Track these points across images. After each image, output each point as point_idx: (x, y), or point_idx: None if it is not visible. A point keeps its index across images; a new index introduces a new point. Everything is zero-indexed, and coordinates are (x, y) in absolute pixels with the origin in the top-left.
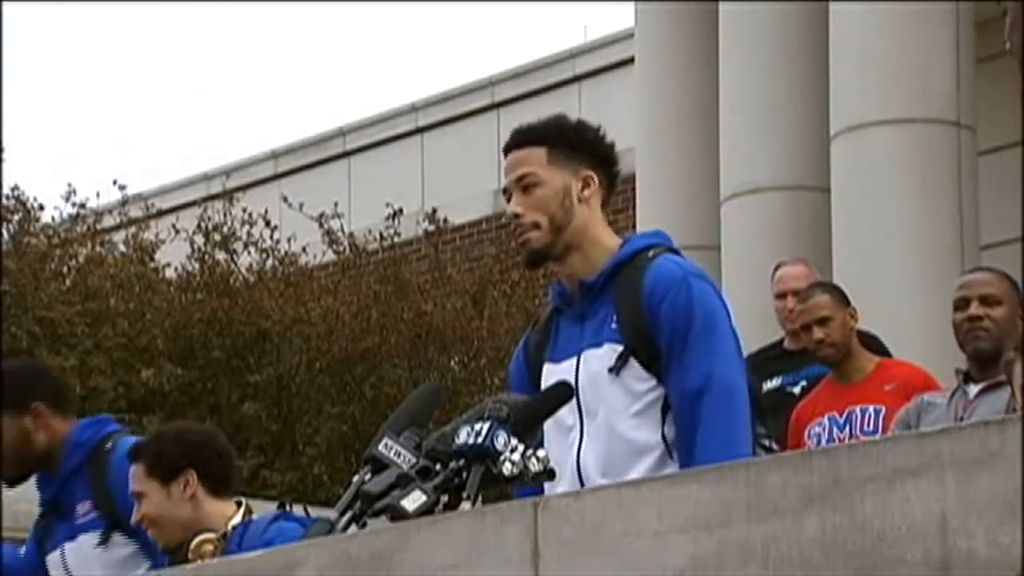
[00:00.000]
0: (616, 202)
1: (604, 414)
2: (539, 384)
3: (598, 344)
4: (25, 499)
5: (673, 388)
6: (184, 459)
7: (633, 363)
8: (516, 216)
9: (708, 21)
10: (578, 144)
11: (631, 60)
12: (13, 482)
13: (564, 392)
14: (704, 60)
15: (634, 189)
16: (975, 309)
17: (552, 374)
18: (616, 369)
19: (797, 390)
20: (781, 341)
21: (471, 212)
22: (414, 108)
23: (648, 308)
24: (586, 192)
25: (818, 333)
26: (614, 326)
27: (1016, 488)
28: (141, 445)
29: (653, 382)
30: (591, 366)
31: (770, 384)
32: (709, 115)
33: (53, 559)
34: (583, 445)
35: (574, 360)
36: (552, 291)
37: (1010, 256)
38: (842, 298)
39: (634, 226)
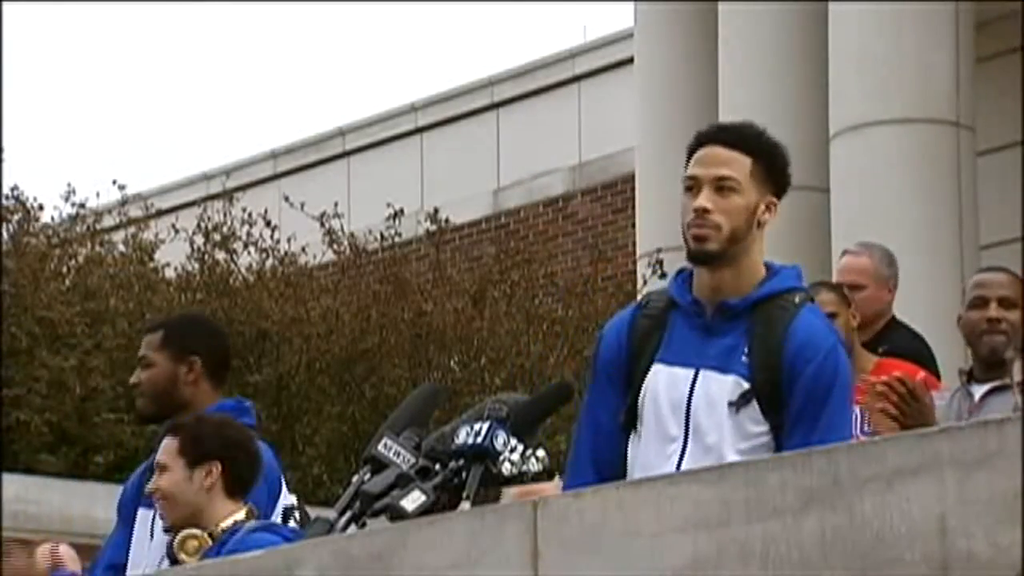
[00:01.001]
0: (616, 202)
1: (716, 441)
2: (635, 372)
3: (724, 371)
4: (24, 500)
5: (794, 446)
6: (217, 451)
7: (754, 404)
8: (705, 211)
9: (708, 21)
10: (776, 168)
11: (631, 60)
12: (145, 417)
13: (563, 393)
14: (704, 60)
15: (634, 189)
16: (994, 311)
17: (663, 375)
18: (737, 407)
19: None
20: None
21: (471, 212)
22: (414, 108)
23: (791, 362)
24: (766, 216)
25: None
26: (744, 359)
27: (1016, 488)
28: (183, 421)
29: (764, 428)
30: (711, 388)
31: None
32: (709, 115)
33: (145, 516)
34: (685, 461)
35: (692, 372)
36: (678, 287)
37: (1010, 256)
38: (845, 298)
39: (634, 226)
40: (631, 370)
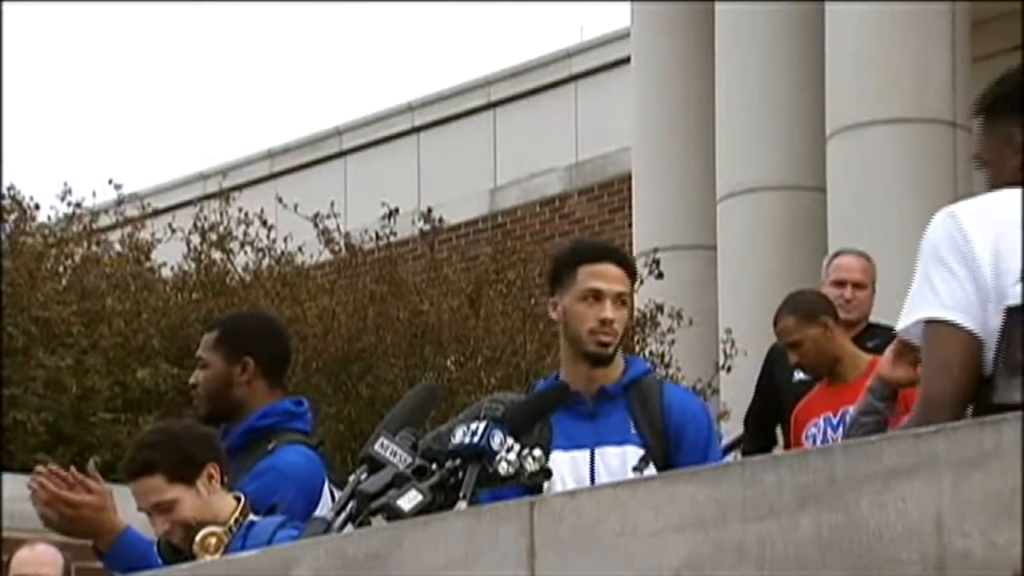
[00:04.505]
0: (613, 202)
1: None
2: None
3: (619, 443)
4: (21, 499)
5: None
6: (202, 455)
7: (651, 466)
8: (611, 322)
9: (704, 21)
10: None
11: (627, 60)
12: (204, 419)
13: (561, 392)
14: (700, 60)
15: (631, 189)
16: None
17: (564, 460)
18: (640, 469)
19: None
20: None
21: (467, 211)
22: (410, 107)
23: (674, 428)
24: None
25: (792, 357)
26: (633, 431)
27: (1014, 487)
28: (148, 460)
29: None
30: (611, 461)
31: (801, 375)
32: (706, 115)
33: None
34: None
35: (588, 452)
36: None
37: None
38: (808, 314)
39: (630, 225)
40: None
